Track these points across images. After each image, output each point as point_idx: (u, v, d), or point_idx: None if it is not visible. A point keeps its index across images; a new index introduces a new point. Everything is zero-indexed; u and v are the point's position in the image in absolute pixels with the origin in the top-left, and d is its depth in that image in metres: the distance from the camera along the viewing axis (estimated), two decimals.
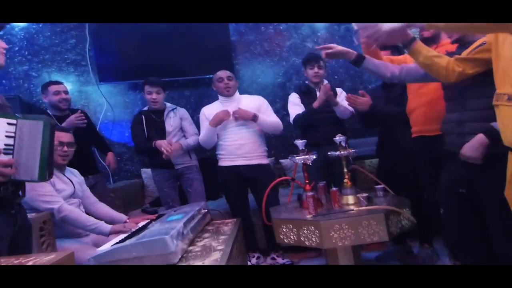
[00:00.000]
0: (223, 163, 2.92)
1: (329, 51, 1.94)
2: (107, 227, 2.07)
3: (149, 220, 2.25)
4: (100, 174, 3.16)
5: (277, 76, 4.13)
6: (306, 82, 3.02)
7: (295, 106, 2.94)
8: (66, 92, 2.96)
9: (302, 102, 2.93)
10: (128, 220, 2.31)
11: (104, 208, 2.41)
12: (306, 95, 2.95)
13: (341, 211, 2.01)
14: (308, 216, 2.00)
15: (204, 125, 2.90)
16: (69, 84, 3.91)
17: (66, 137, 2.26)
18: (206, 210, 2.34)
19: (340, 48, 1.94)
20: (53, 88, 2.92)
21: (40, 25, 3.91)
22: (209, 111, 2.92)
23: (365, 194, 2.12)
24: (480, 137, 1.57)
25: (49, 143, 1.45)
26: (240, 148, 2.85)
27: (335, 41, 4.12)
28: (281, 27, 4.11)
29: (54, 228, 2.01)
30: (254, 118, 2.78)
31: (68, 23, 3.92)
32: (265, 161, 2.94)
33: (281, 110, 3.87)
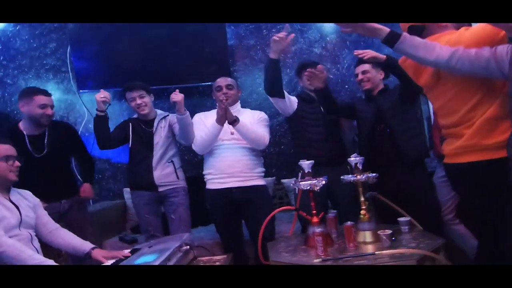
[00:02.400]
0: (212, 185, 2.47)
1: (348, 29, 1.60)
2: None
3: (116, 260, 1.83)
4: (78, 196, 2.64)
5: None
6: (306, 90, 2.65)
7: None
8: (52, 107, 2.48)
9: (303, 110, 2.56)
10: (92, 252, 1.92)
11: (65, 236, 2.01)
12: (308, 103, 2.57)
13: (359, 255, 1.56)
14: (316, 260, 1.56)
15: (200, 127, 2.49)
16: None
17: (10, 149, 1.89)
18: (189, 247, 1.90)
19: (369, 25, 1.57)
20: (40, 99, 2.40)
21: (18, 27, 3.54)
22: (206, 117, 2.54)
23: (388, 231, 1.67)
24: None
25: None
26: (232, 166, 2.41)
27: (346, 46, 3.71)
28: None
29: None
30: (234, 122, 2.34)
31: (49, 25, 3.55)
32: (261, 182, 2.50)
33: (284, 123, 3.45)
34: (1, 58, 3.53)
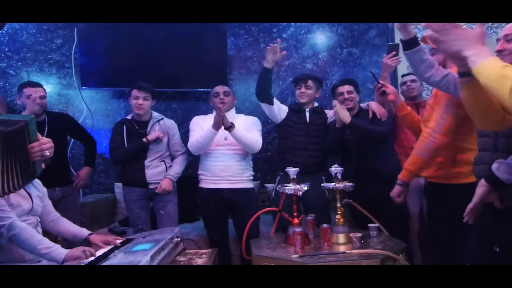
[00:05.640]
0: (205, 185, 2.66)
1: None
2: (61, 253, 1.76)
3: (112, 247, 1.99)
4: (71, 186, 2.86)
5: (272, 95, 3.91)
6: (297, 101, 2.85)
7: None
8: (42, 97, 2.69)
9: (290, 120, 2.74)
10: (90, 237, 2.07)
11: (64, 224, 2.14)
12: (296, 113, 2.76)
13: (332, 253, 1.77)
14: (294, 256, 1.76)
15: (197, 129, 2.65)
16: (49, 86, 3.64)
17: None
18: (179, 239, 2.08)
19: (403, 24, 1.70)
20: (28, 90, 2.65)
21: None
22: (203, 121, 2.69)
23: (358, 234, 1.89)
24: (482, 181, 1.39)
25: (3, 154, 1.22)
26: (225, 171, 2.61)
27: (336, 64, 3.95)
28: (282, 45, 3.92)
29: None
30: (230, 128, 2.52)
31: (57, 23, 3.69)
32: (249, 185, 2.71)
33: (272, 131, 3.66)
34: (6, 49, 3.65)
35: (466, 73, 1.33)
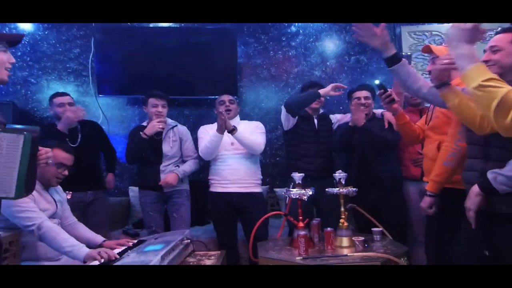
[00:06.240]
0: (215, 189, 2.77)
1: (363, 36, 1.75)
2: (83, 252, 1.89)
3: (125, 248, 2.10)
4: (103, 191, 3.01)
5: (281, 102, 3.93)
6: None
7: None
8: (71, 104, 2.85)
9: (300, 127, 2.82)
10: (104, 244, 2.17)
11: (81, 229, 2.27)
12: (305, 121, 2.83)
13: (334, 256, 1.84)
14: (298, 258, 1.84)
15: (205, 136, 2.77)
16: None
17: (69, 160, 2.16)
18: (189, 240, 2.18)
19: (386, 37, 1.73)
20: (57, 100, 2.83)
21: (46, 32, 3.86)
22: (210, 128, 2.81)
23: (361, 238, 1.95)
24: (475, 188, 1.46)
25: (30, 158, 1.35)
26: (233, 174, 2.72)
27: (344, 71, 4.02)
28: (290, 53, 4.03)
29: (22, 250, 1.87)
30: (232, 131, 2.62)
31: (75, 32, 3.86)
32: (258, 189, 2.80)
33: (280, 137, 3.74)
34: (28, 59, 3.83)
35: (441, 84, 1.42)
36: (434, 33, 3.83)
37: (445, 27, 3.83)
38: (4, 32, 3.69)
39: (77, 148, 2.70)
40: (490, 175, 1.43)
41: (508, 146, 1.42)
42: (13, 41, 1.42)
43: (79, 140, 2.82)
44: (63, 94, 2.90)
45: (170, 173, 2.80)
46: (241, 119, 2.96)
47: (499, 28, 1.53)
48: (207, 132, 2.79)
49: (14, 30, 3.80)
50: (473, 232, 1.53)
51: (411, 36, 3.86)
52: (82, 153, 2.63)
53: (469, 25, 1.32)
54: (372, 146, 2.60)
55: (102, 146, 3.14)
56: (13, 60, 1.40)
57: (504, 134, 1.26)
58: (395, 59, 1.73)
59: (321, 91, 2.64)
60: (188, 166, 2.90)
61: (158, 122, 2.74)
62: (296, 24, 4.03)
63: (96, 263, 1.82)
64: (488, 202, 1.46)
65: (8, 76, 1.43)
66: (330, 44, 4.04)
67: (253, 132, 2.78)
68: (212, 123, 2.88)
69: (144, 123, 2.96)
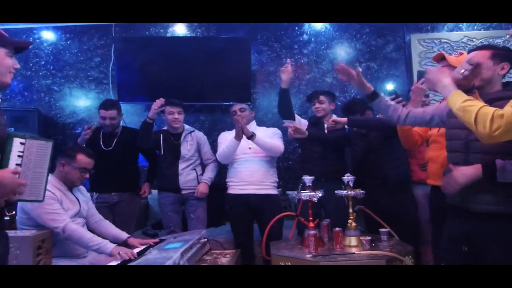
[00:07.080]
0: (233, 191, 2.91)
1: (348, 76, 2.01)
2: (110, 247, 2.08)
3: (147, 245, 2.24)
4: (129, 194, 3.08)
5: (293, 109, 4.10)
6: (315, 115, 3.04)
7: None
8: (111, 119, 2.98)
9: (309, 131, 2.89)
10: (128, 240, 2.33)
11: (105, 226, 2.42)
12: (315, 126, 2.96)
13: (342, 254, 1.96)
14: (308, 256, 1.95)
15: (224, 142, 2.91)
16: (89, 101, 4.04)
17: (91, 164, 2.33)
18: (206, 239, 2.32)
19: (362, 80, 1.99)
20: (101, 112, 2.99)
21: (68, 42, 4.06)
22: (229, 134, 2.94)
23: (368, 237, 2.06)
24: (477, 167, 1.54)
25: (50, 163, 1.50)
26: (251, 176, 2.85)
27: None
28: (303, 61, 4.15)
29: (53, 247, 2.01)
30: (251, 137, 2.76)
31: (96, 41, 4.06)
32: (274, 191, 2.93)
33: (293, 141, 3.84)
34: (51, 67, 4.04)
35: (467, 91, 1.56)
36: (443, 40, 3.92)
37: (453, 35, 3.92)
38: (30, 40, 3.91)
39: (109, 152, 2.92)
40: (499, 162, 1.50)
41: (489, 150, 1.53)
42: (20, 48, 1.46)
43: (113, 144, 3.00)
44: (108, 107, 2.98)
45: (200, 183, 3.00)
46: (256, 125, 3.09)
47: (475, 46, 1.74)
48: (227, 139, 2.92)
49: (38, 40, 4.01)
50: (454, 230, 1.67)
51: (421, 43, 3.94)
52: (113, 157, 2.89)
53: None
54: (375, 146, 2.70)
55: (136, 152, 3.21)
56: (18, 66, 1.44)
57: (485, 142, 1.45)
58: (374, 96, 1.95)
59: (282, 84, 2.77)
60: (211, 172, 3.07)
61: (156, 104, 2.89)
62: (308, 32, 4.15)
63: (115, 262, 1.97)
64: (464, 201, 1.59)
65: (11, 79, 1.44)
66: (341, 52, 4.15)
67: (271, 137, 2.92)
68: (230, 130, 3.02)
69: (165, 128, 3.13)
